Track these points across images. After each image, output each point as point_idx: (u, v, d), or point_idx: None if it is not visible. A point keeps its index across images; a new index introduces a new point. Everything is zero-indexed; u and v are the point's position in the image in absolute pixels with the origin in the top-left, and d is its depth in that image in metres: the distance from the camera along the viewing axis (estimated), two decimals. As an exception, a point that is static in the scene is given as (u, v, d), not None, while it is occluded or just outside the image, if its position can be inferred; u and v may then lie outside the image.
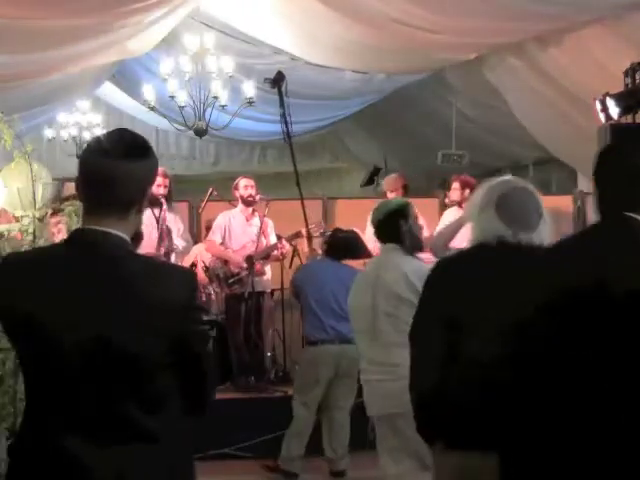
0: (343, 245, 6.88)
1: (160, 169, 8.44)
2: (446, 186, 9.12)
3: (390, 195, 8.73)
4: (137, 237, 2.42)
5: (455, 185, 8.54)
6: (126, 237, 2.26)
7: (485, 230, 3.21)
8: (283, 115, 8.04)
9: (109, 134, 2.40)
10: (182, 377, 2.24)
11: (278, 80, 8.17)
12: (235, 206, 8.61)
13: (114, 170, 2.27)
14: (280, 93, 8.14)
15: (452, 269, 3.29)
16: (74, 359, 2.17)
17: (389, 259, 4.78)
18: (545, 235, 3.23)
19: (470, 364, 3.05)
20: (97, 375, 2.18)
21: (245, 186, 8.33)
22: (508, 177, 3.35)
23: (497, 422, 2.92)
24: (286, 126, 7.97)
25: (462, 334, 3.08)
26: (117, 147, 2.30)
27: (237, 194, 8.40)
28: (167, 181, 8.07)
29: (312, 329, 6.71)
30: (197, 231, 9.85)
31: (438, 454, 3.17)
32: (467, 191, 8.49)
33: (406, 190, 8.93)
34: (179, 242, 8.03)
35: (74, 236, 2.30)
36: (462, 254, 3.34)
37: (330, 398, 6.71)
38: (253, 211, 8.40)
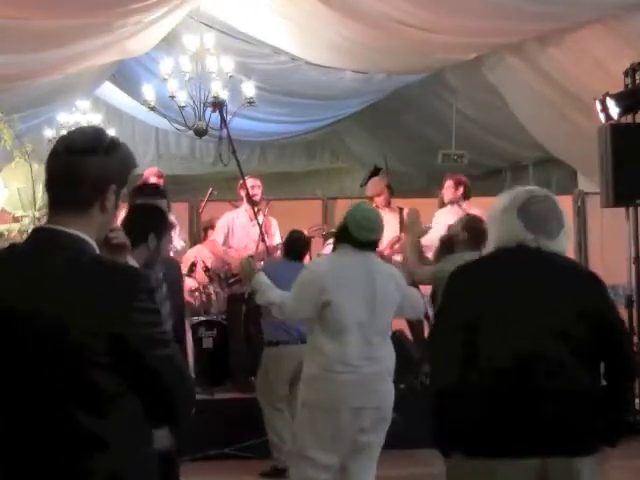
0: (300, 245, 6.96)
1: (154, 170, 8.46)
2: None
3: (378, 199, 8.72)
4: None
5: (448, 183, 8.55)
6: (82, 235, 2.24)
7: (506, 234, 3.22)
8: (228, 135, 8.26)
9: (69, 132, 2.38)
10: (133, 381, 2.19)
11: (220, 105, 8.43)
12: (237, 207, 8.61)
13: (63, 167, 2.26)
14: (222, 117, 8.33)
15: (472, 274, 3.31)
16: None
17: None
18: (565, 246, 3.25)
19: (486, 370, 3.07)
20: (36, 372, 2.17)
21: (252, 186, 8.34)
22: (531, 187, 3.37)
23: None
24: (232, 145, 8.13)
25: (480, 338, 3.08)
26: (69, 144, 2.27)
27: (242, 193, 8.39)
28: (161, 181, 8.07)
29: (273, 330, 6.73)
30: (197, 231, 9.85)
31: (455, 464, 3.16)
32: (460, 189, 8.50)
33: (391, 190, 8.92)
34: (177, 242, 8.03)
35: (31, 234, 2.33)
36: (483, 259, 3.37)
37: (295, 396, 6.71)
38: (258, 211, 8.39)
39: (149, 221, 4.29)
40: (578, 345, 3.07)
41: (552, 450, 3.00)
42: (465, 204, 8.41)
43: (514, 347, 3.05)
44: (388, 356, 4.89)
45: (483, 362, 3.06)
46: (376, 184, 8.90)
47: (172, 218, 8.20)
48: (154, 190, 5.31)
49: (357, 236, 4.78)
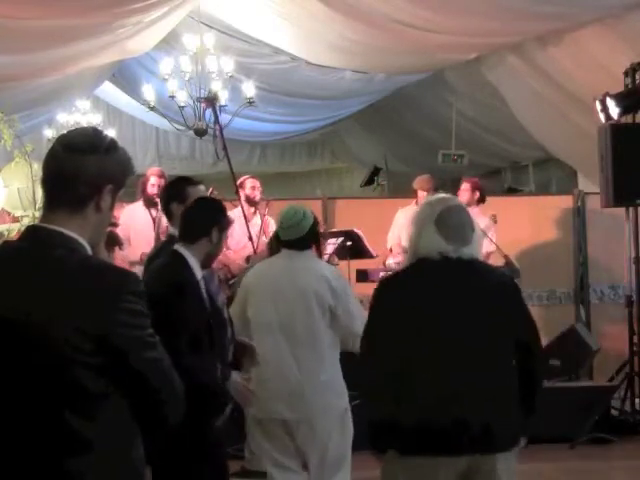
0: None
1: (156, 169, 8.44)
2: (448, 186, 9.11)
3: (421, 194, 8.68)
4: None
5: (465, 186, 8.44)
6: (74, 234, 2.23)
7: (428, 245, 3.41)
8: (220, 132, 8.25)
9: (68, 131, 2.38)
10: (119, 383, 2.18)
11: (212, 100, 8.43)
12: (236, 206, 8.60)
13: (61, 165, 2.25)
14: (215, 112, 8.33)
15: (399, 285, 3.51)
16: None
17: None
18: (479, 248, 3.56)
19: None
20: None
21: (252, 187, 8.33)
22: (444, 196, 3.64)
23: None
24: (222, 142, 8.14)
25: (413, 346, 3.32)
26: (68, 143, 2.27)
27: (241, 193, 8.39)
28: (162, 181, 8.05)
29: None
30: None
31: (391, 460, 3.38)
32: (477, 193, 8.37)
33: (437, 191, 8.95)
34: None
35: (24, 232, 2.31)
36: (406, 270, 3.53)
37: None
38: (255, 210, 8.39)
39: (213, 214, 4.12)
40: (503, 353, 3.37)
41: (479, 449, 3.27)
42: (477, 209, 8.25)
43: (444, 379, 3.28)
44: None
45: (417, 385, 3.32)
46: (426, 180, 8.82)
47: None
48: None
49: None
